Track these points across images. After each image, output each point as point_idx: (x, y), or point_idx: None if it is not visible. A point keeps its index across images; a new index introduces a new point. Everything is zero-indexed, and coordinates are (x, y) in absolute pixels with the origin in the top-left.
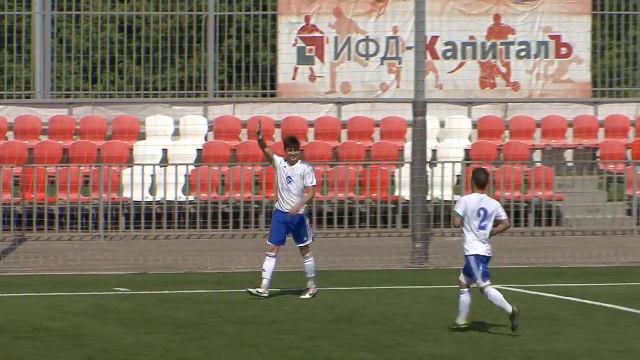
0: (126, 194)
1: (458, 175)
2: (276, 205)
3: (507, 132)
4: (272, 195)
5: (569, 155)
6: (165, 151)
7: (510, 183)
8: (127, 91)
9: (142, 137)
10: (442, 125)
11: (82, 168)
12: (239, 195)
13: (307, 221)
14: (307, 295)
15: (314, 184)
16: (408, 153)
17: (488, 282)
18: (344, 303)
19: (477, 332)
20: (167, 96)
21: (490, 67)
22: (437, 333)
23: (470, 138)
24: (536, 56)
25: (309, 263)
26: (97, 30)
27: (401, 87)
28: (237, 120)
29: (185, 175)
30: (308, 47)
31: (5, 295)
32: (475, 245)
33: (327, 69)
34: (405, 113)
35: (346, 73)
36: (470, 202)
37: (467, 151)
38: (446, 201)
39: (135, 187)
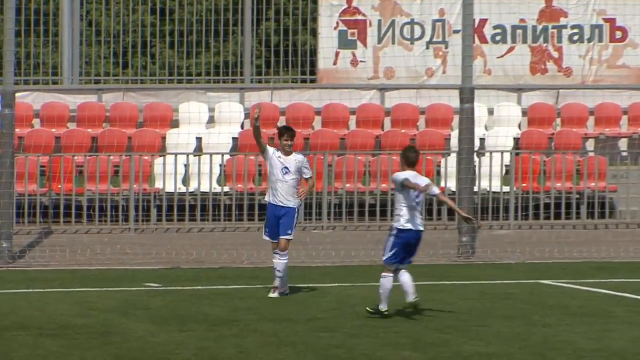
0: (158, 184)
1: (507, 165)
2: (268, 198)
3: (558, 120)
4: None
5: (623, 144)
6: (199, 139)
7: (561, 173)
8: (160, 76)
9: (174, 124)
10: (490, 112)
11: (111, 157)
12: None
13: (297, 214)
14: (276, 294)
15: (311, 175)
16: (454, 142)
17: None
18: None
19: (526, 329)
20: (201, 82)
21: (541, 51)
22: (485, 330)
23: (519, 126)
24: (589, 40)
25: (284, 260)
26: (128, 12)
27: (447, 73)
28: (274, 107)
29: (220, 165)
30: (350, 30)
31: (31, 290)
32: (411, 221)
33: (370, 53)
34: (452, 100)
35: (389, 57)
36: (403, 177)
37: (516, 140)
38: (494, 192)
39: (168, 177)
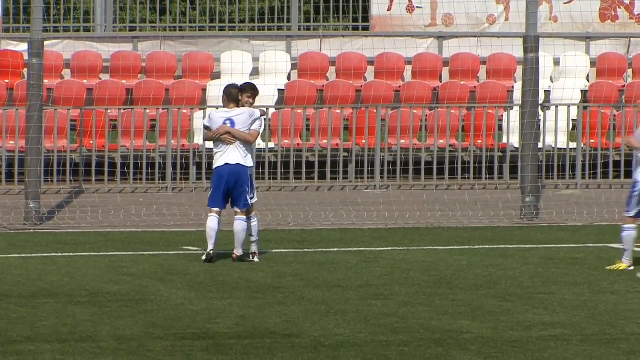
0: (197, 140)
1: (573, 120)
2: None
3: (629, 71)
4: (363, 142)
5: None
6: None
7: (632, 128)
8: (200, 23)
9: (216, 75)
10: (556, 62)
11: (147, 111)
12: (325, 141)
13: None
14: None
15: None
16: (517, 94)
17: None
18: (443, 264)
19: (593, 297)
20: (244, 29)
21: None
22: (548, 298)
23: (587, 77)
24: None
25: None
26: None
27: (510, 20)
28: (324, 57)
29: (265, 119)
30: None
31: (59, 254)
32: (223, 157)
33: None
34: (515, 49)
35: (448, 3)
36: (214, 116)
37: (584, 92)
38: (560, 149)
39: None
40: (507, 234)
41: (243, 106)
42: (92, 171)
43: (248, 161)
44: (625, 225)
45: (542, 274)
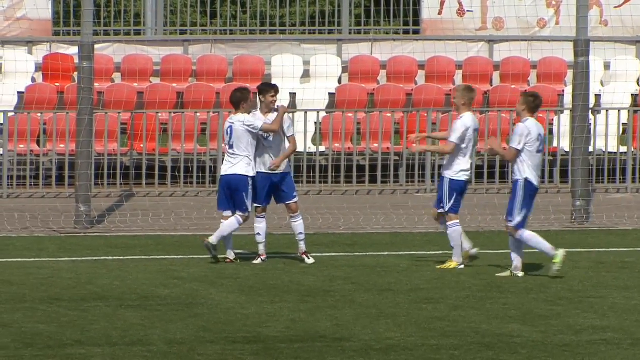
0: None
1: (624, 124)
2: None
3: None
4: (413, 145)
5: None
6: (292, 95)
7: None
8: (250, 27)
9: (266, 79)
10: (607, 66)
11: (198, 114)
12: (376, 145)
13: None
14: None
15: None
16: (568, 98)
17: None
18: (494, 268)
19: None
20: (295, 33)
21: None
22: (599, 302)
23: (638, 82)
24: None
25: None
26: None
27: (560, 24)
28: (374, 60)
29: (316, 123)
30: None
31: (110, 258)
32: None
33: (477, 2)
34: (565, 53)
35: (499, 7)
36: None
37: (634, 96)
38: (610, 153)
39: None
40: (557, 238)
41: (270, 107)
42: (142, 174)
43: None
44: None
45: (593, 278)
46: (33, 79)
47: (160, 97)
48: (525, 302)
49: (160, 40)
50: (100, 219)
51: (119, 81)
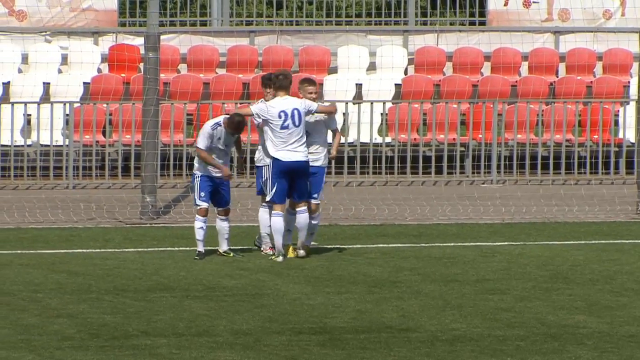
0: None
1: None
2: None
3: None
4: (480, 137)
5: None
6: (358, 86)
7: None
8: (316, 18)
9: (332, 70)
10: None
11: None
12: (442, 136)
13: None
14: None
15: None
16: (634, 89)
17: None
18: (560, 259)
19: None
20: (361, 24)
21: None
22: None
23: None
24: None
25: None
26: None
27: (626, 15)
28: (440, 52)
29: (382, 114)
30: None
31: (176, 248)
32: None
33: None
34: (631, 44)
35: None
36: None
37: None
38: None
39: None
40: (623, 229)
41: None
42: None
43: None
44: None
45: None
46: (99, 70)
47: (226, 87)
48: (591, 293)
49: (226, 31)
50: (165, 210)
51: (184, 72)
